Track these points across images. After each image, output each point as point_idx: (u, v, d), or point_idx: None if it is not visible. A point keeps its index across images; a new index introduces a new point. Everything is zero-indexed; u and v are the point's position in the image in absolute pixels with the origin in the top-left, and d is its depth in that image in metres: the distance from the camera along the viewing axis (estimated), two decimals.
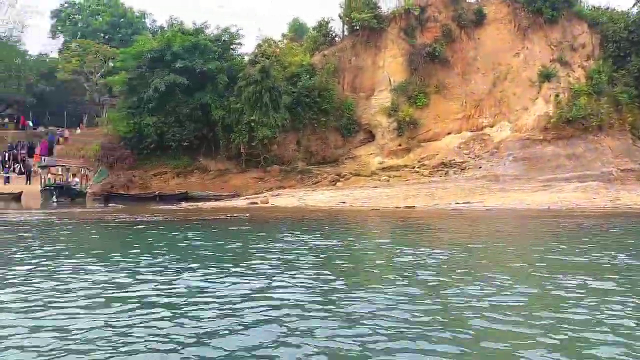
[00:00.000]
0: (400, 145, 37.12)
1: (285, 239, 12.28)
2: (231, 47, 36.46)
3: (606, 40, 37.84)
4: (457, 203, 22.63)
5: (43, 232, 14.52)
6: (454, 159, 34.99)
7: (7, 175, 34.21)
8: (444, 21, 38.76)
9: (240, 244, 11.59)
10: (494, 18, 39.09)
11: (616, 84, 36.47)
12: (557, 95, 36.05)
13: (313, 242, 11.58)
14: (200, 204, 25.07)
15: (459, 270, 8.39)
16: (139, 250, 10.62)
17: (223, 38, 35.73)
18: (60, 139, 42.59)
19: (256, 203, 24.54)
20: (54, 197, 27.85)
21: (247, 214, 19.46)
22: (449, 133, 38.00)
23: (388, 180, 32.30)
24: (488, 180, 30.64)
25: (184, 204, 24.83)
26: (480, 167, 33.62)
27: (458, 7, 38.88)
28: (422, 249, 10.46)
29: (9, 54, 44.36)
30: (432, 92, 37.87)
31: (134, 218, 18.18)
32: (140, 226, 15.93)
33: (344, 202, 23.85)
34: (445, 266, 8.84)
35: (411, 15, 38.50)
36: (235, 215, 19.03)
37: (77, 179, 30.75)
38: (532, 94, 37.05)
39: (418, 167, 34.82)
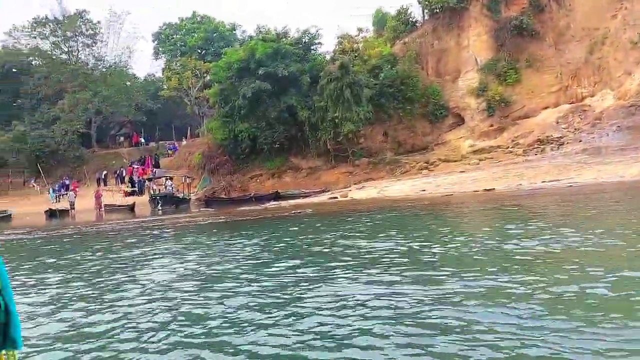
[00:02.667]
0: (491, 125, 35.96)
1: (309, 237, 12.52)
2: (311, 47, 37.50)
3: None
4: (544, 182, 21.57)
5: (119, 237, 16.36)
6: (551, 135, 33.16)
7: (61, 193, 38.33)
8: None
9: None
10: None
11: None
12: None
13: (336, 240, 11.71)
14: (283, 203, 26.30)
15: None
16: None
17: (303, 40, 36.86)
18: (169, 151, 46.53)
19: (336, 197, 25.23)
20: (159, 205, 30.70)
21: (310, 210, 20.31)
22: (545, 108, 36.10)
23: (478, 164, 31.42)
24: (588, 154, 28.71)
25: (270, 204, 26.20)
26: (580, 141, 31.55)
27: None
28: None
29: (119, 78, 49.12)
30: (523, 67, 36.19)
31: (205, 220, 19.71)
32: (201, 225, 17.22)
33: (424, 190, 23.72)
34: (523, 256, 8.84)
35: None
36: (299, 211, 19.96)
37: (169, 186, 33.39)
38: (635, 56, 33.90)
39: (512, 147, 33.44)
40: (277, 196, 30.70)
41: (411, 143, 37.28)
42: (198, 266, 9.61)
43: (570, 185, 19.77)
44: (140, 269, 9.96)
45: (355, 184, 32.26)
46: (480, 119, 36.22)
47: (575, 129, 32.96)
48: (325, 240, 11.49)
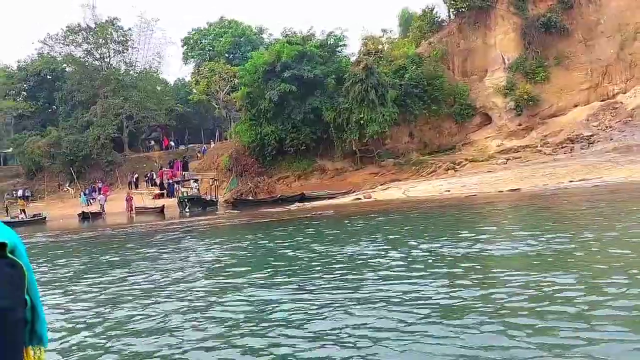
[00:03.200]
0: (519, 124, 35.51)
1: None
2: (337, 49, 37.66)
3: None
4: (572, 181, 21.21)
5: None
6: (581, 133, 32.55)
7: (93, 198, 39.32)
8: None
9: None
10: None
11: None
12: None
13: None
14: (309, 204, 26.54)
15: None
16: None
17: (329, 42, 37.05)
18: (199, 154, 47.30)
19: (360, 199, 25.30)
20: (187, 207, 31.29)
21: (332, 211, 20.51)
22: (575, 106, 35.50)
23: (505, 163, 31.04)
24: (619, 152, 28.06)
25: (295, 205, 26.42)
26: (611, 139, 30.86)
27: None
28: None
29: (150, 83, 50.21)
30: (552, 65, 35.64)
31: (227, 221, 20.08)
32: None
33: (448, 191, 23.57)
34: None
35: None
36: (319, 212, 20.21)
37: (195, 188, 33.99)
38: None
39: (540, 146, 32.94)
40: (302, 197, 30.93)
41: (437, 143, 37.09)
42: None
43: (597, 185, 19.41)
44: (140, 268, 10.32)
45: (381, 184, 32.22)
46: (508, 118, 35.79)
47: (607, 127, 32.28)
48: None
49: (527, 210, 16.04)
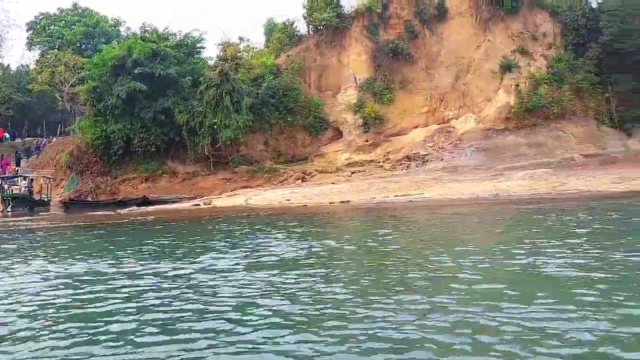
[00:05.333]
0: (367, 141, 37.67)
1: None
2: (194, 51, 37.03)
3: (566, 28, 38.28)
4: (396, 196, 23.14)
5: None
6: (417, 152, 35.48)
7: None
8: (407, 17, 39.31)
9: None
10: (456, 12, 39.56)
11: (577, 72, 36.87)
12: (517, 86, 36.48)
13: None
14: (146, 208, 25.71)
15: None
16: None
17: (186, 42, 36.31)
18: (38, 149, 43.27)
19: (199, 205, 25.10)
20: (9, 206, 28.50)
21: (153, 217, 20.38)
22: (415, 127, 38.54)
23: (350, 176, 32.79)
24: (447, 171, 31.13)
25: (131, 209, 25.42)
26: (442, 159, 34.12)
27: (420, 2, 39.41)
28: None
29: None
30: (397, 88, 38.38)
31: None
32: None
33: (288, 200, 24.36)
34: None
35: (373, 13, 39.04)
36: (138, 218, 19.92)
37: (24, 187, 31.06)
38: (494, 85, 37.55)
39: (382, 162, 35.30)
40: (144, 201, 29.75)
41: (292, 153, 37.97)
42: None
43: (411, 201, 21.39)
44: None
45: (232, 190, 32.19)
46: (357, 134, 37.82)
47: (440, 148, 35.57)
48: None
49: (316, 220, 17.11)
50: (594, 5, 38.83)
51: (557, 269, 7.60)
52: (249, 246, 11.10)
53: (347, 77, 39.19)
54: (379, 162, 35.46)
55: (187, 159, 35.71)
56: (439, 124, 38.35)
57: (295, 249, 10.32)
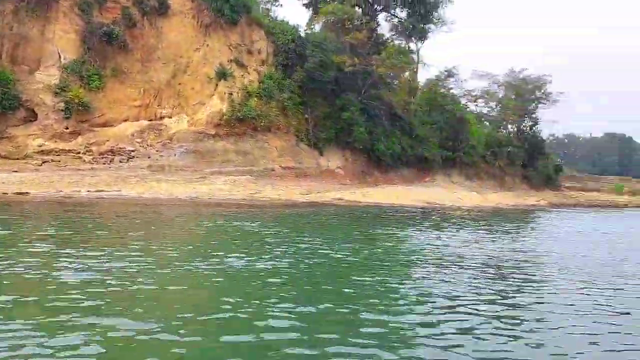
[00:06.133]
0: (67, 128, 33.95)
1: None
2: None
3: (278, 49, 41.66)
4: (89, 191, 21.42)
5: None
6: (124, 147, 33.62)
7: None
8: (125, 4, 37.04)
9: None
10: (178, 10, 39.02)
11: (284, 91, 40.40)
12: (230, 94, 37.99)
13: None
14: None
15: None
16: None
17: None
18: None
19: None
20: None
21: None
22: (125, 120, 36.46)
23: (41, 165, 29.02)
24: (153, 170, 30.28)
25: None
26: (149, 157, 33.07)
27: None
28: None
29: None
30: (109, 76, 35.74)
31: None
32: None
33: None
34: None
35: None
36: None
37: None
38: (209, 90, 38.29)
39: (83, 153, 32.33)
40: None
41: None
42: None
43: (102, 198, 20.12)
44: None
45: None
46: (56, 119, 33.75)
47: (148, 145, 34.42)
48: None
49: None
50: (302, 34, 43.30)
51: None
52: None
53: (50, 54, 34.73)
54: (79, 152, 32.36)
55: None
56: (150, 120, 37.11)
57: None
